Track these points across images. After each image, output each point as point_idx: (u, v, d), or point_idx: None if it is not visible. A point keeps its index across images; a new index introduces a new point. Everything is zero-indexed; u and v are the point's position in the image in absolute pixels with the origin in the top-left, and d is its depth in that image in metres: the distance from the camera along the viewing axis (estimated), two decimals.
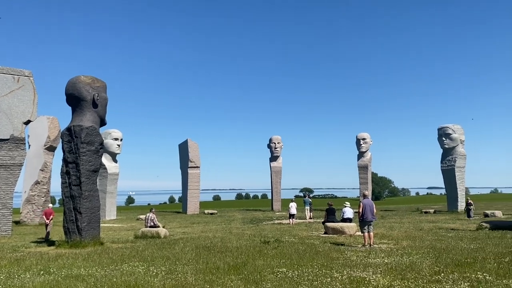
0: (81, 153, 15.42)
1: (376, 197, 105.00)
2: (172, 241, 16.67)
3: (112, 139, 36.79)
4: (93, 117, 16.18)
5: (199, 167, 43.32)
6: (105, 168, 35.70)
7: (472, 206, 27.53)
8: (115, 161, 37.77)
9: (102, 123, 16.84)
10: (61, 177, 15.88)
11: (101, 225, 16.79)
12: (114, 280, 8.94)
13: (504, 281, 8.26)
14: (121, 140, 37.51)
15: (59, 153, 31.58)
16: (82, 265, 11.05)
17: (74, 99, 16.04)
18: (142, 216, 32.81)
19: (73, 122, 16.02)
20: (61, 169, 15.93)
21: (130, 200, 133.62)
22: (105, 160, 35.33)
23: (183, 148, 44.19)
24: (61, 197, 16.31)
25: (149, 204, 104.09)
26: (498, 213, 29.42)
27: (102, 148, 16.39)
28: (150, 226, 20.19)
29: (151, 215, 20.77)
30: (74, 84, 16.06)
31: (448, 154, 38.15)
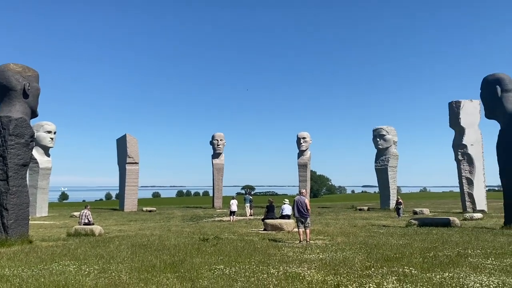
0: (9, 146, 14.52)
1: (314, 194, 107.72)
2: (107, 239, 16.15)
3: (44, 132, 35.12)
4: (23, 108, 15.31)
5: (138, 163, 42.29)
6: (37, 163, 33.99)
7: (401, 205, 28.91)
8: (48, 155, 36.03)
9: (34, 114, 16.01)
10: None
11: (31, 222, 15.94)
12: (42, 280, 8.49)
13: (427, 274, 8.80)
14: (54, 133, 35.86)
15: None
16: (6, 265, 10.40)
17: (2, 88, 15.08)
18: (76, 213, 31.54)
19: (1, 112, 15.04)
20: None
21: (63, 196, 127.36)
22: (37, 153, 33.62)
23: (121, 143, 42.89)
24: None
25: (84, 200, 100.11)
26: (426, 211, 31.33)
27: (32, 141, 15.57)
28: (85, 224, 19.44)
29: (85, 211, 20.01)
30: (2, 72, 15.09)
31: (381, 154, 40.05)
